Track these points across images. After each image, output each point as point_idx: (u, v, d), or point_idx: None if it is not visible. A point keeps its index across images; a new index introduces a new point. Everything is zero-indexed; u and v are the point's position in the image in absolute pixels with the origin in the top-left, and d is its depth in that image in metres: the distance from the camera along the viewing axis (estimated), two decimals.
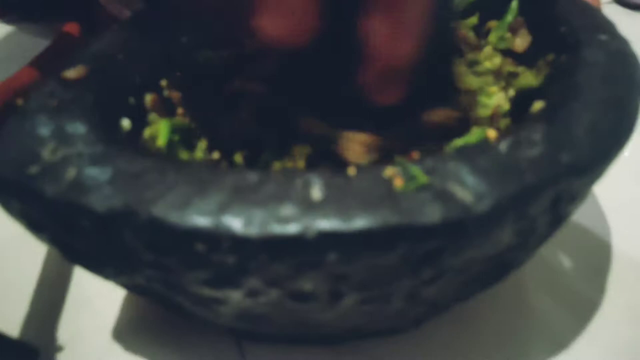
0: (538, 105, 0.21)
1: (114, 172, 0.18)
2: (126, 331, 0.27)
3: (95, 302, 0.28)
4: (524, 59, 0.29)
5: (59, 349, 0.27)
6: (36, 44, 0.44)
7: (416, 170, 0.17)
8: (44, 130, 0.20)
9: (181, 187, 0.17)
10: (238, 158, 0.24)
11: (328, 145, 0.23)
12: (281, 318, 0.20)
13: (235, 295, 0.18)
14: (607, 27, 0.26)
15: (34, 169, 0.19)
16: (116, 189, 0.17)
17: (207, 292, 0.18)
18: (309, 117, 0.24)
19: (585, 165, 0.18)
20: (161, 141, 0.22)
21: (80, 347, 0.26)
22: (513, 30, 0.30)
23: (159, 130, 0.23)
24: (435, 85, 0.26)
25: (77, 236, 0.19)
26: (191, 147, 0.25)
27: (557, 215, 0.19)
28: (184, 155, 0.24)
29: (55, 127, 0.21)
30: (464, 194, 0.17)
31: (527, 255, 0.21)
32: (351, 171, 0.18)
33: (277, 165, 0.23)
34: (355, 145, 0.22)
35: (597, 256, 0.30)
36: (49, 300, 0.28)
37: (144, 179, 0.18)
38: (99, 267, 0.20)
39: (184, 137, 0.25)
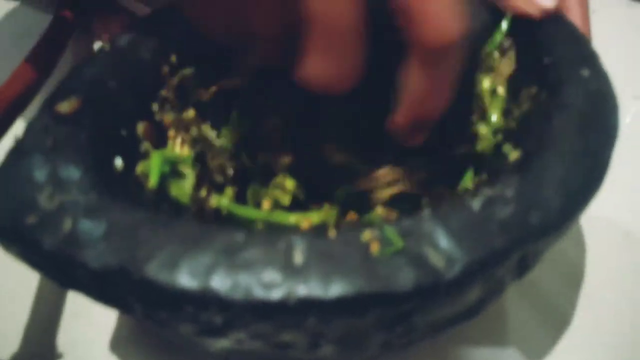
0: (514, 155, 0.22)
1: (107, 226, 0.19)
2: (123, 342, 0.29)
3: (93, 312, 0.30)
4: (510, 83, 0.29)
5: (57, 357, 0.28)
6: (41, 19, 0.44)
7: (392, 234, 0.18)
8: (40, 174, 0.21)
9: (171, 245, 0.18)
10: (229, 192, 0.25)
11: (351, 180, 0.24)
12: (267, 355, 0.21)
13: (222, 342, 0.20)
14: (591, 60, 0.26)
15: (32, 218, 0.20)
16: (110, 246, 0.19)
17: (196, 338, 0.20)
18: (332, 145, 0.25)
19: (552, 226, 0.19)
20: (152, 182, 0.23)
21: (78, 357, 0.28)
22: (502, 51, 0.30)
23: (150, 168, 0.24)
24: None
25: (74, 282, 0.20)
26: (181, 176, 0.26)
27: (523, 270, 0.20)
28: (175, 189, 0.25)
29: (51, 170, 0.21)
30: (436, 258, 0.18)
31: (493, 301, 0.22)
32: (331, 233, 0.19)
33: (265, 201, 0.24)
34: (380, 182, 0.23)
35: (572, 268, 0.32)
36: (47, 309, 0.30)
37: (136, 234, 0.19)
38: (96, 301, 0.22)
39: (175, 168, 0.25)
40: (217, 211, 0.24)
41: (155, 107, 0.28)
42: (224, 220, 0.24)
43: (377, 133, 0.23)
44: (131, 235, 0.19)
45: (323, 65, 0.18)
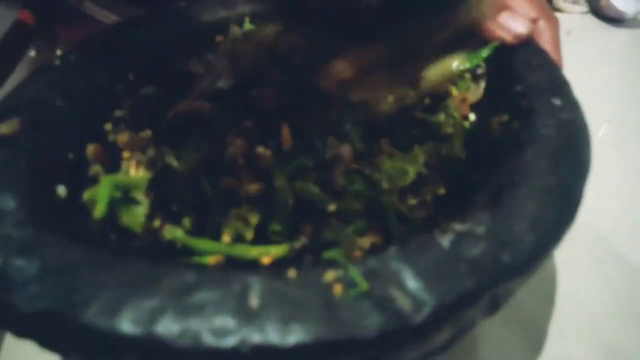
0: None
1: (42, 265, 0.17)
2: None
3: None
4: (478, 109, 0.29)
5: None
6: (3, 15, 0.42)
7: (357, 275, 0.17)
8: None
9: (113, 288, 0.17)
10: (186, 223, 0.23)
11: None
12: None
13: None
14: (563, 88, 0.26)
15: None
16: (44, 288, 0.17)
17: None
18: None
19: (524, 265, 0.18)
20: (99, 210, 0.21)
21: None
22: (475, 76, 0.30)
23: (99, 195, 0.22)
24: None
25: (6, 324, 0.18)
26: (133, 202, 0.24)
27: (494, 308, 0.19)
28: (126, 218, 0.23)
29: None
30: (403, 301, 0.17)
31: (462, 338, 0.21)
32: (291, 273, 0.17)
33: (225, 234, 0.22)
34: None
35: (545, 284, 0.31)
36: None
37: (74, 275, 0.17)
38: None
39: (127, 194, 0.24)
40: (171, 243, 0.23)
41: (108, 127, 0.26)
42: (179, 252, 0.22)
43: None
44: (68, 276, 0.17)
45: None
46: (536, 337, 0.29)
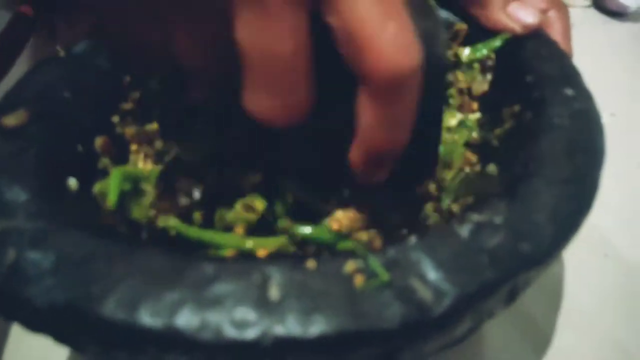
0: (492, 168, 0.21)
1: (57, 257, 0.17)
2: None
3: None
4: (487, 101, 0.29)
5: None
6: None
7: (377, 266, 0.17)
8: None
9: (131, 280, 0.16)
10: (197, 217, 0.23)
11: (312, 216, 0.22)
12: None
13: None
14: (574, 78, 0.25)
15: None
16: (59, 281, 0.16)
17: None
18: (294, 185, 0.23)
19: (543, 255, 0.18)
20: (111, 201, 0.21)
21: None
22: (484, 67, 0.29)
23: (109, 186, 0.22)
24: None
25: (19, 318, 0.17)
26: (142, 194, 0.24)
27: (512, 298, 0.19)
28: (136, 211, 0.22)
29: None
30: (424, 291, 0.17)
31: (479, 329, 0.21)
32: (310, 264, 0.17)
33: (238, 227, 0.22)
34: (342, 221, 0.21)
35: (553, 285, 0.31)
36: None
37: (90, 267, 0.17)
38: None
39: (137, 186, 0.23)
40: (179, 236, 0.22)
41: (116, 119, 0.26)
42: (176, 240, 0.22)
43: (336, 169, 0.21)
44: (84, 268, 0.17)
45: (264, 100, 0.17)
46: (541, 335, 0.29)
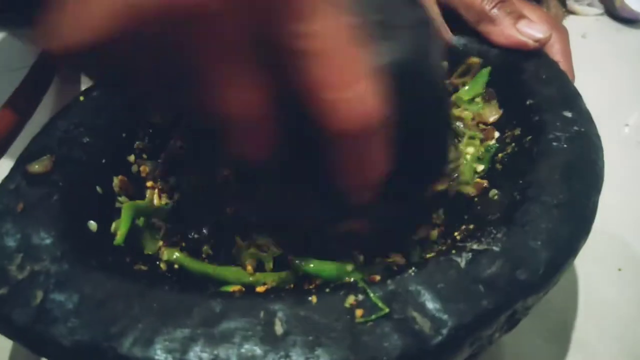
0: (493, 193, 0.22)
1: (79, 298, 0.18)
2: None
3: None
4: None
5: None
6: (27, 53, 0.43)
7: (377, 299, 0.18)
8: (11, 241, 0.20)
9: (146, 319, 0.18)
10: (206, 251, 0.24)
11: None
12: None
13: None
14: (574, 100, 0.26)
15: (2, 290, 0.19)
16: (82, 321, 0.18)
17: None
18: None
19: (539, 282, 0.19)
20: (120, 237, 0.22)
21: None
22: (486, 98, 0.30)
23: (120, 222, 0.23)
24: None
25: (47, 356, 0.19)
26: (154, 229, 0.25)
27: (512, 324, 0.20)
28: (149, 247, 0.24)
29: (22, 236, 0.21)
30: (423, 322, 0.17)
31: (482, 355, 0.22)
32: (313, 299, 0.18)
33: (247, 259, 0.23)
34: None
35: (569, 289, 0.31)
36: None
37: (110, 308, 0.18)
38: None
39: (148, 220, 0.25)
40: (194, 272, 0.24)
41: (131, 158, 0.27)
42: (204, 280, 0.23)
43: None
44: (105, 308, 0.18)
45: (239, 147, 0.18)
46: (561, 343, 0.29)
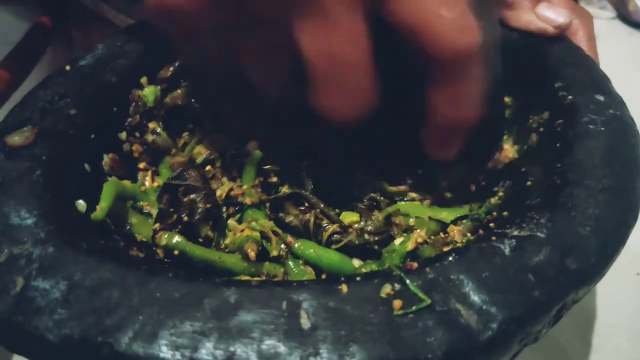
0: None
1: (68, 286, 0.16)
2: None
3: None
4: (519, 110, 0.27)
5: None
6: (18, 26, 0.40)
7: (416, 289, 0.15)
8: None
9: (148, 309, 0.15)
10: (206, 231, 0.22)
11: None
12: None
13: None
14: (604, 84, 0.24)
15: None
16: (71, 312, 0.15)
17: None
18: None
19: (592, 272, 0.17)
20: (99, 212, 0.20)
21: None
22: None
23: (101, 198, 0.20)
24: None
25: (28, 354, 0.16)
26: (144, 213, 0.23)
27: (557, 319, 0.18)
28: (142, 232, 0.21)
29: (0, 216, 0.18)
30: (469, 316, 0.15)
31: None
32: (344, 288, 0.16)
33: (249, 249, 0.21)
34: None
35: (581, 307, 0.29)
36: None
37: (104, 296, 0.15)
38: None
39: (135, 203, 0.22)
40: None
41: (123, 135, 0.25)
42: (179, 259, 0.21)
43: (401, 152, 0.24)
44: (98, 297, 0.15)
45: (334, 100, 0.19)
46: None
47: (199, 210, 0.22)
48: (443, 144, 0.21)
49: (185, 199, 0.23)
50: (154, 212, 0.23)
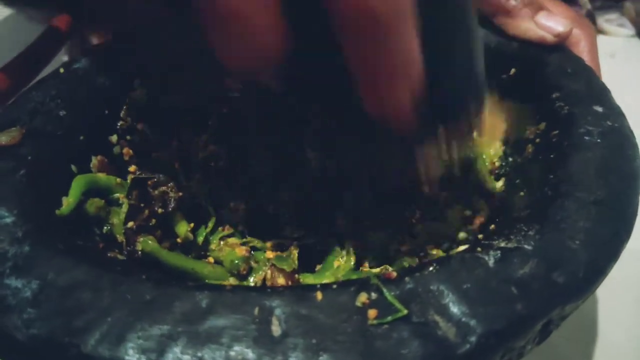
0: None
1: (39, 286, 0.15)
2: None
3: None
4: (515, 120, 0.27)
5: None
6: (32, 29, 0.41)
7: (393, 299, 0.15)
8: None
9: (118, 312, 0.15)
10: (182, 229, 0.22)
11: None
12: None
13: None
14: (603, 95, 0.24)
15: None
16: (40, 312, 0.15)
17: None
18: None
19: (580, 287, 0.16)
20: (64, 208, 0.19)
21: None
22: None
23: (70, 193, 0.20)
24: None
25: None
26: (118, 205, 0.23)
27: (544, 336, 0.17)
28: (117, 229, 0.21)
29: None
30: (447, 328, 0.15)
31: None
32: (318, 296, 0.15)
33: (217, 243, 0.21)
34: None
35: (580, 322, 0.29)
36: None
37: (74, 297, 0.15)
38: None
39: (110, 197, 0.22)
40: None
41: (114, 138, 0.25)
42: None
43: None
44: (68, 298, 0.15)
45: (234, 49, 0.16)
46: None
47: (172, 199, 0.22)
48: (390, 109, 0.18)
49: (156, 192, 0.23)
50: (123, 202, 0.23)
